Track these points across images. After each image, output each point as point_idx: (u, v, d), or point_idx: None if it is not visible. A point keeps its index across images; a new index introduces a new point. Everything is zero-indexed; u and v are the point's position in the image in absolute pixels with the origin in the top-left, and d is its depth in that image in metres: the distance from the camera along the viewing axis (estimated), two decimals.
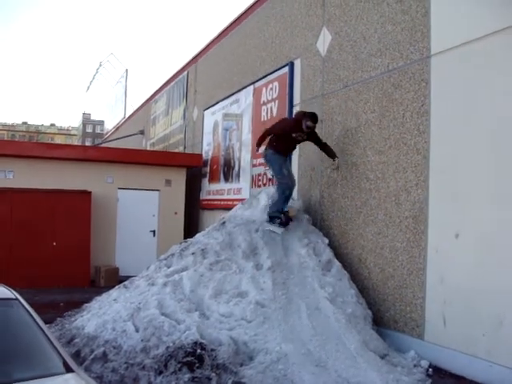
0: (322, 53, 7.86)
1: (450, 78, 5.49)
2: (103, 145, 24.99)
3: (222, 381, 4.53)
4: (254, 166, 10.01)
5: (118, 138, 22.58)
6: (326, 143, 7.18)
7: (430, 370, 5.24)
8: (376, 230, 6.43)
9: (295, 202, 7.67)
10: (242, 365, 4.79)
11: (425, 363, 5.34)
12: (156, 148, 18.26)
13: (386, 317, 6.16)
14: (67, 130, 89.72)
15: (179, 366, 4.62)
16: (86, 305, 6.86)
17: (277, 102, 9.18)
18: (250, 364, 4.82)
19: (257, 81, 10.01)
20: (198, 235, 7.25)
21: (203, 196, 12.87)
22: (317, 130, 7.14)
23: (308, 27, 8.30)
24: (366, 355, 5.12)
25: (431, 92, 5.68)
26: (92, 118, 64.36)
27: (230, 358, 4.77)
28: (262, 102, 9.77)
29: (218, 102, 12.15)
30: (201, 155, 13.07)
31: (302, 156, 8.22)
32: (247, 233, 6.77)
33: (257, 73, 10.08)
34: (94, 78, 34.96)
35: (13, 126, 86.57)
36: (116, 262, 11.33)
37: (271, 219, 6.72)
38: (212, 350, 4.81)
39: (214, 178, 12.34)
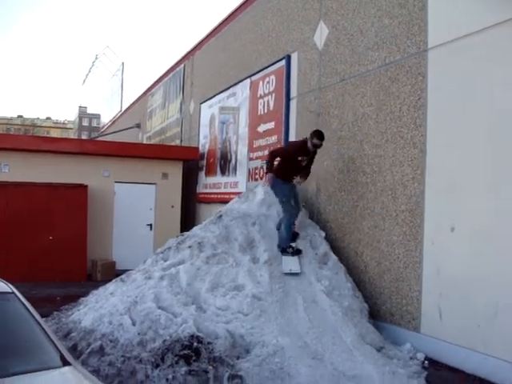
0: (318, 46, 7.84)
1: (447, 71, 5.49)
2: (99, 138, 24.93)
3: (218, 374, 4.53)
4: (250, 159, 10.00)
5: (115, 132, 22.51)
6: (310, 167, 7.08)
7: (426, 362, 5.27)
8: (372, 223, 6.45)
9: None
10: (238, 358, 4.80)
11: (421, 356, 5.37)
12: (152, 141, 18.19)
13: (383, 310, 6.19)
14: (63, 123, 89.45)
15: (176, 359, 4.62)
16: (83, 298, 6.86)
17: (273, 95, 9.16)
18: (246, 357, 4.82)
19: (253, 74, 9.98)
20: (194, 229, 7.25)
21: (200, 189, 12.86)
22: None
23: (305, 21, 8.27)
24: (362, 348, 5.14)
25: (428, 85, 5.68)
26: (88, 111, 64.18)
27: (227, 351, 4.78)
28: (258, 96, 9.75)
29: (214, 96, 12.11)
30: (197, 148, 13.04)
31: None
32: (244, 226, 6.78)
33: (253, 66, 10.04)
34: (89, 71, 34.84)
35: (9, 119, 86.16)
36: (113, 256, 11.31)
37: (283, 250, 6.55)
38: (209, 343, 4.81)
39: (210, 172, 12.32)
